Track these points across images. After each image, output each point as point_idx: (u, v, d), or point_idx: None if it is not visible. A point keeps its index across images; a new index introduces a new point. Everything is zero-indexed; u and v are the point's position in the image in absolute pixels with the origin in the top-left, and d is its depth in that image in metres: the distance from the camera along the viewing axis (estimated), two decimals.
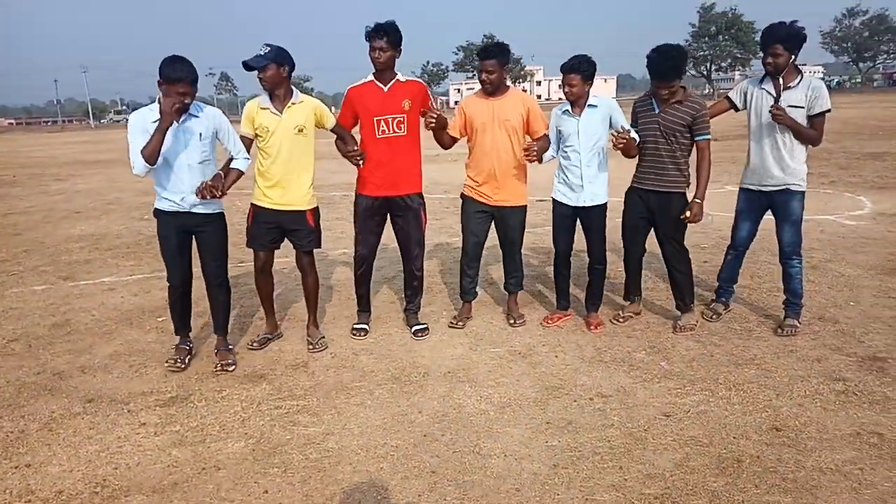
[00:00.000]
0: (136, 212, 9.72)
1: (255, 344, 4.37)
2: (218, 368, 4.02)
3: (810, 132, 4.06)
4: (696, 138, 4.12)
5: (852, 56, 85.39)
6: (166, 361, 4.09)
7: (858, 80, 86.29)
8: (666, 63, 3.99)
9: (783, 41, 3.95)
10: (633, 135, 4.11)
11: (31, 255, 7.28)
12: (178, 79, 3.53)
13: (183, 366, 4.05)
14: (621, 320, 4.57)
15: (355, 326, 4.60)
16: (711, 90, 74.31)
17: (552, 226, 4.49)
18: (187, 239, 3.95)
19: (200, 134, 3.74)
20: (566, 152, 4.29)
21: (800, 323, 4.30)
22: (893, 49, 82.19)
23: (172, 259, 3.94)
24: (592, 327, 4.47)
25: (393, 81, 4.20)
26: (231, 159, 3.97)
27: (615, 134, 4.05)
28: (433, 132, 4.32)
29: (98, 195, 12.27)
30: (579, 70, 4.11)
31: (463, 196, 4.57)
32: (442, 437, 3.18)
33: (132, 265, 6.70)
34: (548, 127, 4.39)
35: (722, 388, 3.54)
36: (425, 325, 4.57)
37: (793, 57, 4.00)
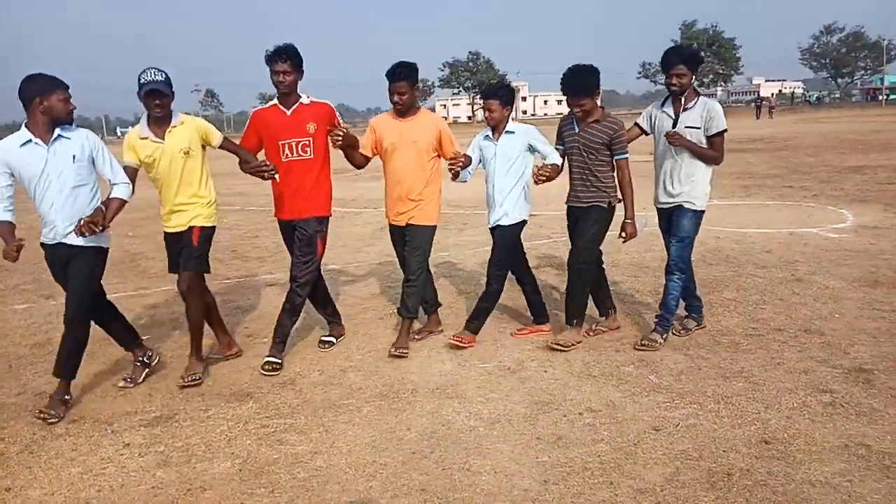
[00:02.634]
0: (121, 228, 9.63)
1: (214, 357, 4.31)
2: (35, 414, 3.65)
3: (709, 152, 4.20)
4: (615, 157, 4.26)
5: (830, 72, 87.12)
6: (122, 378, 4.11)
7: (837, 95, 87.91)
8: (575, 80, 4.16)
9: (686, 61, 4.12)
10: (555, 159, 4.29)
11: (12, 274, 7.17)
12: (53, 86, 3.52)
13: (132, 384, 4.05)
14: (592, 334, 4.60)
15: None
16: None
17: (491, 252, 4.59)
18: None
19: (74, 156, 3.57)
20: (486, 175, 4.47)
21: (663, 339, 4.31)
22: (870, 65, 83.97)
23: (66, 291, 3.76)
24: (521, 332, 4.65)
25: (296, 105, 4.18)
26: (113, 187, 3.80)
27: (535, 172, 4.21)
28: (344, 152, 4.36)
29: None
30: (497, 96, 4.31)
31: (387, 221, 4.67)
32: (431, 454, 3.15)
33: (116, 283, 6.62)
34: (459, 148, 4.44)
35: (710, 402, 3.54)
36: (331, 339, 4.64)
37: (693, 77, 4.17)
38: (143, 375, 4.14)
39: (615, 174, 4.34)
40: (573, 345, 4.35)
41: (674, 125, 4.22)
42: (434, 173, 4.47)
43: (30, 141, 3.49)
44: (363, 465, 3.07)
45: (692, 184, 4.21)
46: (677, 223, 4.29)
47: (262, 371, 4.16)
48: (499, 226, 4.42)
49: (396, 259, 4.80)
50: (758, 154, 18.49)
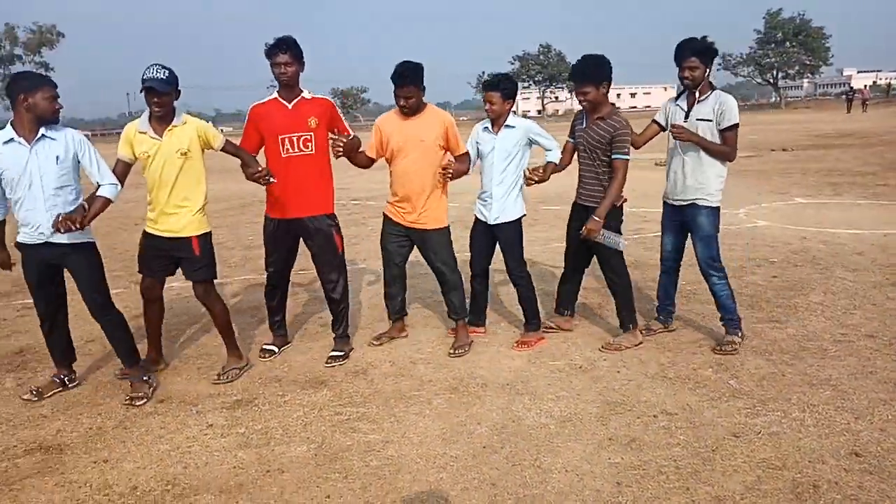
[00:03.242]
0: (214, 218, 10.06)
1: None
2: (126, 400, 3.76)
3: (720, 147, 4.06)
4: (612, 156, 4.11)
5: None
6: (27, 390, 3.88)
7: None
8: (580, 66, 4.10)
9: (699, 54, 4.00)
10: (555, 154, 4.33)
11: (107, 261, 7.60)
12: (39, 84, 3.48)
13: (36, 399, 3.79)
14: (553, 327, 4.60)
15: (264, 346, 4.48)
16: (778, 98, 71.75)
17: (469, 243, 4.57)
18: (51, 273, 3.72)
19: (57, 157, 3.49)
20: (482, 168, 4.39)
21: (740, 337, 4.21)
22: None
23: (34, 293, 3.74)
24: (516, 346, 4.42)
25: (298, 98, 4.08)
26: (99, 186, 3.68)
27: (526, 173, 4.24)
28: (349, 154, 4.21)
29: None
30: (499, 88, 4.23)
31: (383, 214, 4.52)
32: (501, 449, 3.15)
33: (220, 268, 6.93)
34: (465, 147, 4.42)
35: (795, 410, 3.38)
36: (342, 353, 4.35)
37: (707, 70, 4.07)
38: (52, 393, 3.91)
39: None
40: (627, 347, 4.28)
41: (685, 118, 4.12)
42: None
43: (12, 140, 3.44)
44: (434, 457, 3.11)
45: (705, 180, 4.10)
46: (695, 223, 4.17)
47: (325, 364, 4.25)
48: (500, 224, 4.35)
49: (419, 259, 4.64)
50: (848, 150, 17.44)
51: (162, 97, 3.69)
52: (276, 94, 4.10)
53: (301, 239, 4.30)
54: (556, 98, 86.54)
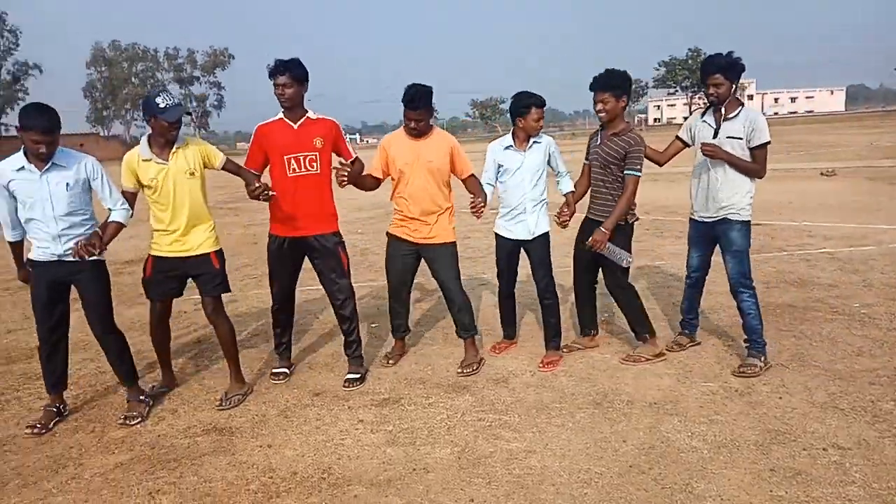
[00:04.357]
0: (351, 226, 10.68)
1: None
2: (121, 420, 3.77)
3: (750, 165, 4.02)
4: (624, 172, 4.12)
5: None
6: (27, 426, 3.76)
7: None
8: (602, 75, 4.13)
9: (723, 70, 3.95)
10: (567, 184, 4.46)
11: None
12: (30, 127, 3.41)
13: (44, 431, 3.70)
14: (565, 350, 4.56)
15: (274, 370, 4.43)
16: None
17: (496, 261, 4.53)
18: (60, 291, 3.72)
19: (67, 184, 3.57)
20: (507, 185, 4.32)
21: (763, 362, 4.07)
22: None
23: (40, 312, 3.71)
24: (542, 365, 4.33)
25: (303, 119, 4.08)
26: (111, 211, 3.79)
27: (557, 221, 4.29)
28: (353, 181, 4.14)
29: None
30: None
31: (388, 234, 4.49)
32: (649, 470, 3.03)
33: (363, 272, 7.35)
34: (472, 168, 4.36)
35: None
36: (359, 376, 4.27)
37: (734, 87, 3.99)
38: (53, 423, 3.82)
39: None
40: (647, 359, 4.30)
41: (714, 135, 4.06)
42: (448, 192, 4.36)
43: (23, 167, 3.53)
44: (578, 471, 3.06)
45: (736, 196, 4.05)
46: (727, 238, 4.11)
47: (343, 387, 4.17)
48: (537, 238, 4.32)
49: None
50: None
51: (176, 126, 3.76)
52: (281, 115, 4.11)
53: (306, 257, 4.27)
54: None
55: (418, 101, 4.07)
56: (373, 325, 5.48)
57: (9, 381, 4.54)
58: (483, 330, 5.09)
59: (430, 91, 4.12)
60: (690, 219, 4.36)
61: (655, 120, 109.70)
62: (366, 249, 8.87)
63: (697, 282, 4.46)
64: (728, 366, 4.18)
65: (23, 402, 4.16)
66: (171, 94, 3.77)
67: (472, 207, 4.07)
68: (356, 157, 4.24)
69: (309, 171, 4.07)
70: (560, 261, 4.82)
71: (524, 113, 4.18)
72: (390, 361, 4.55)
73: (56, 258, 3.62)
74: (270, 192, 3.84)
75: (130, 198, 3.88)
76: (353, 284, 4.36)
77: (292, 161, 4.04)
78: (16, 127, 3.49)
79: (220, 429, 3.68)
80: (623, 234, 4.21)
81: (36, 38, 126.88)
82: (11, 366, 4.86)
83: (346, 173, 3.97)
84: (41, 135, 3.42)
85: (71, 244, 3.56)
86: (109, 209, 3.78)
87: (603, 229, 4.09)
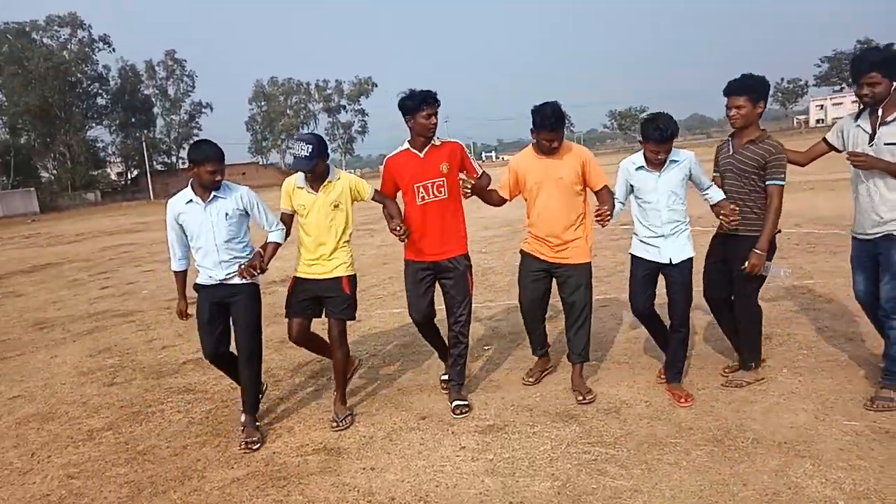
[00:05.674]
0: (476, 245, 10.76)
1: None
2: (241, 446, 3.90)
3: None
4: (767, 182, 3.87)
5: None
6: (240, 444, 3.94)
7: None
8: (739, 79, 3.91)
9: (879, 67, 3.50)
10: (715, 194, 4.04)
11: (395, 282, 8.59)
12: (205, 159, 3.79)
13: (257, 447, 3.89)
14: (726, 384, 4.15)
15: (441, 377, 4.54)
16: None
17: (629, 283, 4.22)
18: (220, 312, 4.04)
19: (227, 214, 3.93)
20: (644, 207, 4.03)
21: None
22: None
23: (203, 331, 4.05)
24: (680, 400, 3.97)
25: (428, 147, 4.16)
26: (269, 233, 4.17)
27: (725, 219, 3.94)
28: (478, 194, 4.22)
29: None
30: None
31: (521, 252, 4.43)
32: None
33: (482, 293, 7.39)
34: (606, 179, 4.20)
35: None
36: (467, 403, 4.19)
37: (893, 85, 3.52)
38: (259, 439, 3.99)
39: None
40: (749, 383, 4.07)
41: (870, 142, 3.60)
42: (583, 210, 4.23)
43: (191, 200, 3.93)
44: None
45: None
46: (889, 256, 3.62)
47: (454, 414, 4.12)
48: (677, 264, 3.98)
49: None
50: None
51: (314, 170, 4.01)
52: (407, 145, 4.24)
53: (437, 279, 4.35)
54: None
55: (556, 122, 4.03)
56: (486, 348, 5.45)
57: (156, 395, 5.05)
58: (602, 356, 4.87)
59: (561, 108, 4.06)
60: (853, 238, 3.92)
61: (818, 121, 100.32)
62: (487, 269, 8.88)
63: (869, 308, 3.88)
64: (877, 402, 3.64)
65: (165, 415, 4.60)
66: (305, 143, 3.97)
67: (596, 213, 3.99)
68: (483, 173, 4.36)
69: (437, 196, 4.20)
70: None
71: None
72: (531, 379, 4.53)
73: (218, 282, 3.99)
74: (406, 237, 4.08)
75: (287, 219, 4.24)
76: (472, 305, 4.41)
77: (421, 189, 4.19)
78: (189, 165, 3.89)
79: (329, 449, 3.82)
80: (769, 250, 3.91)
81: (207, 80, 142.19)
82: (161, 380, 5.41)
83: (469, 186, 4.09)
84: (217, 164, 3.86)
85: (231, 269, 3.96)
86: (268, 231, 4.19)
87: (758, 251, 3.84)
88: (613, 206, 4.07)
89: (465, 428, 3.93)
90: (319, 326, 4.45)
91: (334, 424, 4.09)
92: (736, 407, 3.82)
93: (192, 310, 4.13)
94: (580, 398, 4.13)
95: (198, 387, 5.12)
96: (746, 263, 3.87)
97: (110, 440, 4.24)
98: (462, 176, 4.17)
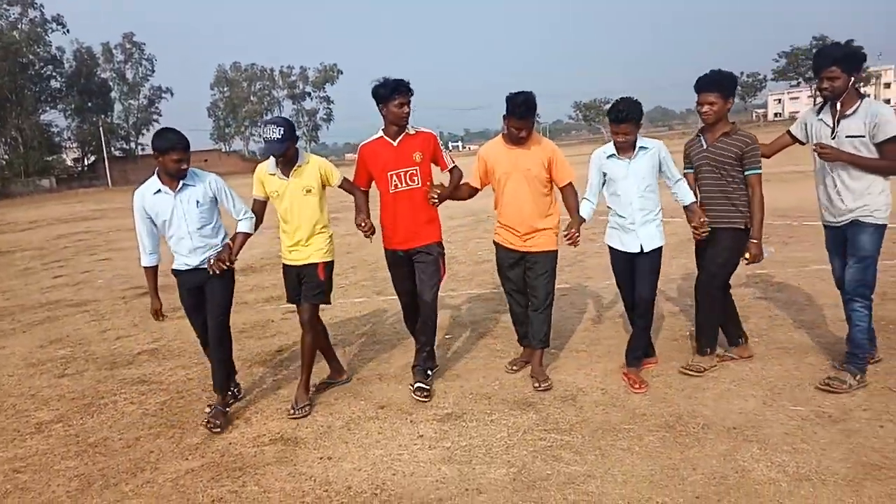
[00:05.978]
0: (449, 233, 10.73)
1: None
2: (203, 422, 3.96)
3: (878, 163, 3.62)
4: (746, 172, 3.96)
5: None
6: (205, 422, 3.98)
7: None
8: (710, 75, 3.98)
9: (839, 62, 3.61)
10: (685, 193, 4.08)
11: (357, 271, 8.55)
12: (170, 147, 3.73)
13: (218, 430, 3.89)
14: (718, 360, 4.27)
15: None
16: None
17: (615, 278, 4.31)
18: (200, 295, 4.05)
19: (198, 201, 3.90)
20: (615, 195, 4.09)
21: (857, 380, 3.70)
22: None
23: (191, 319, 4.14)
24: (635, 386, 4.04)
25: (402, 136, 4.18)
26: (238, 222, 4.14)
27: (695, 231, 4.00)
28: (447, 199, 4.25)
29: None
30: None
31: (494, 243, 4.47)
32: (718, 502, 2.79)
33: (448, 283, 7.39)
34: (572, 176, 4.27)
35: None
36: (428, 388, 4.21)
37: (851, 79, 3.63)
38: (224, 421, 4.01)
39: (748, 192, 4.00)
40: (705, 370, 4.14)
41: (832, 134, 3.72)
42: (551, 199, 4.28)
43: (160, 191, 3.88)
44: (638, 500, 2.87)
45: (868, 197, 3.68)
46: (854, 241, 3.76)
47: (414, 396, 4.16)
48: (648, 252, 4.04)
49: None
50: None
51: (284, 153, 3.99)
52: (381, 133, 4.26)
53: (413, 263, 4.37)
54: None
55: (527, 110, 4.04)
56: (447, 337, 5.46)
57: (109, 386, 4.93)
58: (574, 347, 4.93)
59: (535, 99, 4.06)
60: (824, 226, 4.03)
61: (776, 115, 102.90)
62: (451, 258, 8.86)
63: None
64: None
65: (118, 407, 4.50)
66: (276, 125, 3.94)
67: (566, 238, 4.06)
68: (454, 166, 4.38)
69: (410, 185, 4.22)
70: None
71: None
72: (515, 368, 4.54)
73: (192, 268, 3.98)
74: (371, 233, 4.14)
75: (260, 207, 4.24)
76: None
77: (394, 177, 4.20)
78: (153, 154, 3.80)
79: (286, 439, 3.79)
80: (738, 239, 4.02)
81: (166, 64, 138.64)
82: (114, 371, 5.29)
83: (436, 195, 4.15)
84: (183, 153, 3.80)
85: (205, 255, 3.95)
86: (237, 219, 4.14)
87: (754, 240, 3.97)
88: (580, 219, 4.17)
89: (424, 416, 3.93)
90: (328, 324, 4.39)
91: (291, 412, 4.06)
92: (688, 393, 3.92)
93: (166, 309, 4.16)
94: (537, 385, 4.17)
95: (152, 378, 5.02)
96: (748, 255, 3.98)
97: (60, 433, 4.13)
98: (430, 190, 4.19)
